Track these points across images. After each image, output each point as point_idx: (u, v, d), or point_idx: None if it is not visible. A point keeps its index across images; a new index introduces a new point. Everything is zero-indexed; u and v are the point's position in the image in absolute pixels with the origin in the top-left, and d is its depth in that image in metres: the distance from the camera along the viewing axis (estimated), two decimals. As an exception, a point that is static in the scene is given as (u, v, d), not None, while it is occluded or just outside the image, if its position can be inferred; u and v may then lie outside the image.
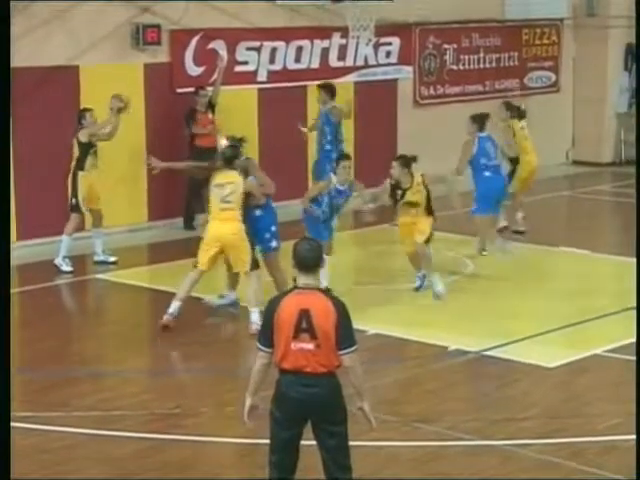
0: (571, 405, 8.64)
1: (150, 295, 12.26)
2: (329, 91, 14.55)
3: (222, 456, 7.75)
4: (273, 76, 16.17)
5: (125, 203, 14.71)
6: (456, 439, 7.88)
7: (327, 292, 6.31)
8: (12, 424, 7.98)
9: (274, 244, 10.88)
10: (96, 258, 13.10)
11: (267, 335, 6.13)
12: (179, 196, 14.98)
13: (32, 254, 13.43)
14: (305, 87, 16.34)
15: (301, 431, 6.17)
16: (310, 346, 6.02)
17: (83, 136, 12.84)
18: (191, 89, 15.06)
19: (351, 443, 6.22)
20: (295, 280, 6.19)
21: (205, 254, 10.60)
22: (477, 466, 7.49)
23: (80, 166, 12.80)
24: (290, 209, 13.96)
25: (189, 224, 15.07)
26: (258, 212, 10.82)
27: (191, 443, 7.88)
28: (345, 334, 6.07)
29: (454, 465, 7.54)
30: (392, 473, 7.36)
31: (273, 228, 10.89)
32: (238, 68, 15.80)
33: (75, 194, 12.79)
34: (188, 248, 13.77)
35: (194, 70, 15.38)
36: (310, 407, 6.10)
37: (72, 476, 7.35)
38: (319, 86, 14.73)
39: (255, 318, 10.19)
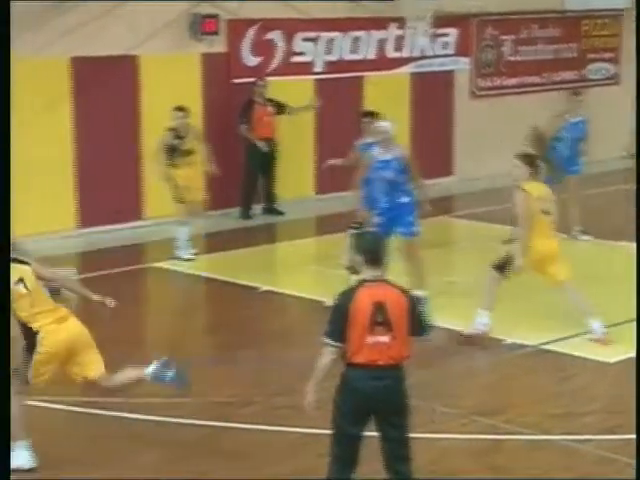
0: (631, 401, 8.53)
1: (206, 284, 12.35)
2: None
3: (278, 445, 7.77)
4: (329, 67, 16.17)
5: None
6: (514, 433, 7.84)
7: (394, 283, 6.28)
8: (75, 409, 8.16)
9: (416, 229, 10.85)
10: (179, 253, 12.94)
11: (339, 330, 6.07)
12: (235, 185, 15.04)
13: (94, 242, 13.57)
14: (361, 78, 16.33)
15: (366, 424, 6.17)
16: (385, 339, 6.03)
17: (164, 137, 12.86)
18: (247, 79, 15.12)
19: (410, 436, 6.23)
20: (352, 271, 6.18)
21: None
22: (535, 460, 7.43)
23: (170, 163, 12.78)
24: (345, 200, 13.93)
25: (246, 214, 15.13)
26: (405, 198, 10.71)
27: (246, 431, 7.93)
28: (420, 321, 6.17)
29: (511, 459, 7.49)
30: (449, 466, 7.34)
31: (415, 212, 10.85)
32: (294, 59, 15.82)
33: (177, 189, 12.80)
34: (245, 238, 13.89)
35: (251, 60, 15.42)
36: (378, 400, 6.09)
37: (129, 460, 7.43)
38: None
39: (484, 320, 9.87)
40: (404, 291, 6.20)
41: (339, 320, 6.06)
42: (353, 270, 6.27)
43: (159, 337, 10.49)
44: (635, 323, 9.28)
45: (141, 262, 13.06)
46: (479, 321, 9.88)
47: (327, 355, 6.12)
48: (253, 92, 14.95)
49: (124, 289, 11.88)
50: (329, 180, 15.89)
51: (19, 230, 13.36)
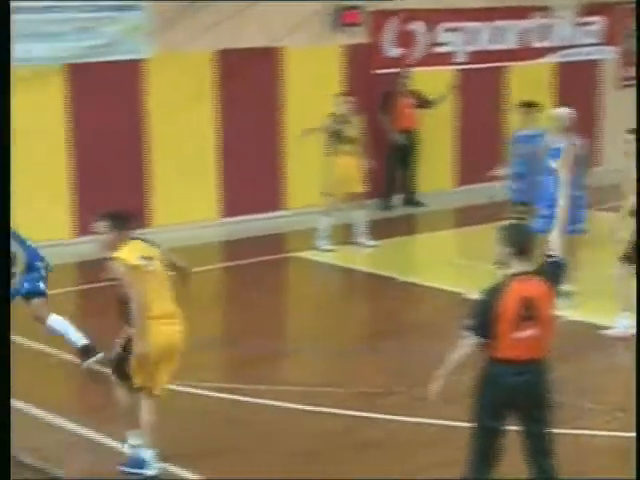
0: None
1: (346, 275, 12.41)
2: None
3: (418, 436, 7.77)
4: (471, 57, 16.03)
5: (316, 183, 14.83)
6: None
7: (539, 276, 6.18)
8: (220, 395, 8.34)
9: (583, 226, 10.55)
10: (358, 240, 13.06)
11: (483, 325, 5.98)
12: (374, 177, 15.06)
13: (236, 231, 13.80)
14: (503, 68, 16.13)
15: (506, 418, 6.13)
16: (530, 334, 5.96)
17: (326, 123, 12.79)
18: (389, 70, 15.12)
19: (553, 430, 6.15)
20: (500, 265, 6.10)
21: None
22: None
23: (331, 151, 12.78)
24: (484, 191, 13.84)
25: (386, 205, 15.15)
26: (578, 192, 10.43)
27: (387, 422, 7.95)
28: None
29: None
30: (593, 463, 7.22)
31: (585, 208, 10.57)
32: (436, 49, 15.75)
33: (327, 177, 12.82)
34: (384, 229, 13.89)
35: (392, 51, 15.42)
36: (522, 394, 6.03)
37: (276, 448, 7.54)
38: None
39: (625, 322, 9.69)
40: (548, 284, 6.11)
41: (484, 315, 5.97)
42: (501, 264, 6.16)
43: (300, 327, 10.60)
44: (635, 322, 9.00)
45: (282, 252, 13.22)
46: (621, 323, 9.68)
47: (464, 348, 6.04)
48: (396, 83, 14.95)
49: (265, 278, 12.09)
50: (469, 172, 15.78)
51: (161, 219, 13.81)
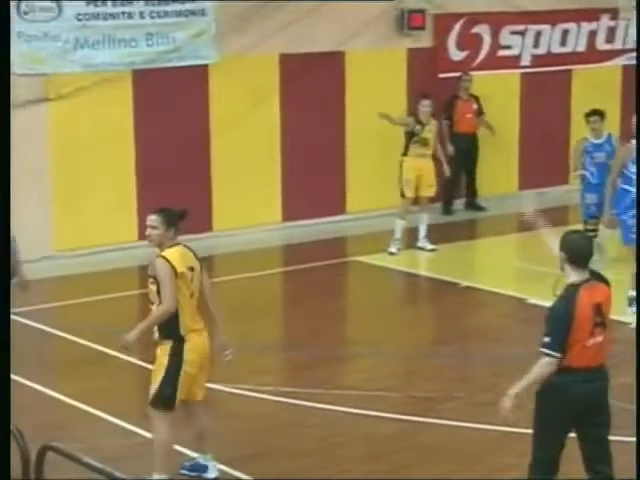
0: None
1: (407, 279, 12.39)
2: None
3: (477, 442, 7.73)
4: (537, 60, 15.90)
5: (376, 187, 14.83)
6: None
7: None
8: (279, 398, 8.39)
9: None
10: (419, 244, 13.03)
11: (560, 340, 5.88)
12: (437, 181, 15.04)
13: (297, 235, 13.87)
14: (570, 71, 15.97)
15: (574, 427, 6.06)
16: (600, 339, 5.96)
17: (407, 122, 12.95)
18: (453, 74, 15.06)
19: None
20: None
21: None
22: None
23: (404, 152, 12.89)
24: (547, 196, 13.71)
25: (448, 209, 15.10)
26: None
27: (446, 427, 7.93)
28: None
29: None
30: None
31: None
32: (501, 52, 15.65)
33: (400, 179, 12.88)
34: (446, 233, 13.84)
35: (457, 55, 15.35)
36: (590, 403, 6.00)
37: (334, 451, 7.57)
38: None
39: None
40: (608, 283, 6.11)
41: (561, 329, 5.88)
42: (562, 271, 6.10)
43: (360, 332, 10.59)
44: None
45: (342, 256, 13.24)
46: None
47: (547, 367, 5.89)
48: (458, 87, 14.90)
49: (325, 283, 12.12)
50: (531, 176, 15.67)
51: (223, 224, 13.92)
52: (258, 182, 14.00)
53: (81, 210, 12.88)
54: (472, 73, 15.08)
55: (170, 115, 13.36)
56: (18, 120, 12.09)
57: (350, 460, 7.46)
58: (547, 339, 5.90)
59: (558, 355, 5.88)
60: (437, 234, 13.45)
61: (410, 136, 12.86)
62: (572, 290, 5.93)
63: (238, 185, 13.79)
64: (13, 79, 12.12)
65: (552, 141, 15.68)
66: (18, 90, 12.21)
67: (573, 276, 5.97)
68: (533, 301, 10.79)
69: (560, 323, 5.88)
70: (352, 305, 11.77)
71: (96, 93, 12.78)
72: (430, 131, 12.92)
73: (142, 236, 13.27)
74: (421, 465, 7.34)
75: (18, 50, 12.27)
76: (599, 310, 5.94)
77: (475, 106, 14.99)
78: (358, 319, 11.12)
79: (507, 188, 15.73)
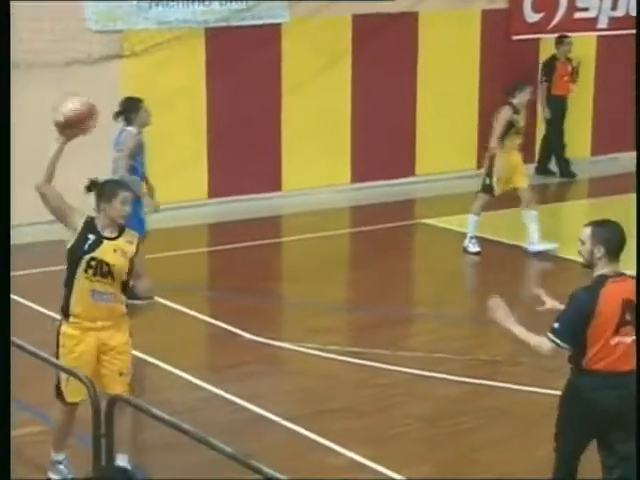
0: None
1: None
2: None
3: (540, 406, 7.70)
4: (614, 23, 15.61)
5: (446, 150, 14.75)
6: None
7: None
8: (344, 358, 8.46)
9: None
10: (531, 248, 11.52)
11: (573, 331, 5.47)
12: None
13: (366, 197, 13.86)
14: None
15: (596, 436, 5.63)
16: (629, 340, 5.47)
17: (505, 114, 11.40)
18: (528, 36, 14.89)
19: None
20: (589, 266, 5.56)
21: None
22: None
23: (500, 145, 11.36)
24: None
25: (544, 167, 14.87)
26: None
27: (510, 391, 7.93)
28: None
29: None
30: None
31: None
32: (577, 15, 15.40)
33: (489, 174, 11.45)
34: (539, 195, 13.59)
35: (532, 17, 15.13)
36: (617, 412, 5.51)
37: (395, 411, 7.62)
38: None
39: None
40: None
41: (577, 320, 5.46)
42: (589, 264, 5.60)
43: (426, 294, 10.60)
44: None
45: (410, 218, 13.21)
46: None
47: (544, 349, 5.56)
48: (556, 50, 14.76)
49: (392, 244, 12.12)
50: (605, 141, 15.46)
51: (292, 184, 13.95)
52: (327, 143, 14.01)
53: (153, 167, 13.02)
54: (547, 35, 14.89)
55: (242, 74, 13.40)
56: (93, 77, 12.27)
57: (413, 421, 7.49)
58: (556, 325, 5.52)
59: (563, 345, 5.50)
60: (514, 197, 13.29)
61: (508, 127, 11.38)
62: (600, 280, 5.50)
63: (307, 145, 13.82)
64: (88, 36, 12.34)
65: (624, 106, 15.41)
66: (93, 47, 12.36)
67: (604, 268, 5.52)
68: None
69: (577, 313, 5.46)
70: (419, 267, 11.77)
71: (169, 51, 12.86)
72: (523, 118, 11.72)
73: (211, 194, 13.56)
74: (483, 428, 7.36)
75: (94, 7, 12.39)
76: (629, 307, 5.43)
77: (570, 69, 14.86)
78: (425, 281, 11.13)
79: (580, 153, 15.55)
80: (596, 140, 15.65)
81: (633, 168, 12.53)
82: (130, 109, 9.47)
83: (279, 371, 8.52)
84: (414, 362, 8.34)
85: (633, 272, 7.74)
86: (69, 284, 6.34)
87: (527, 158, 14.98)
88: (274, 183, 13.65)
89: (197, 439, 5.28)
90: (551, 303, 5.97)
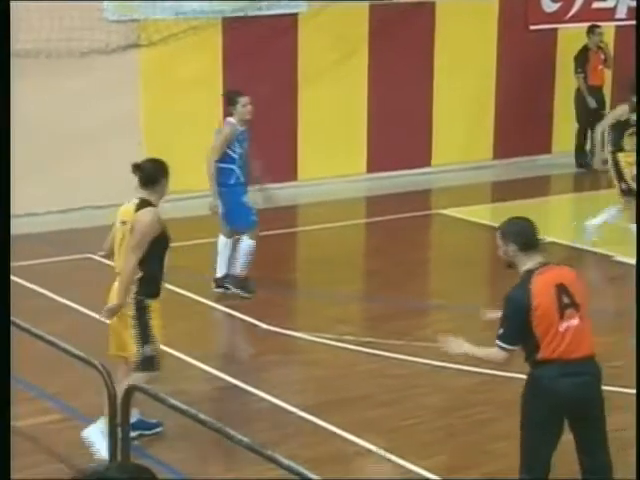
0: None
1: (490, 233, 12.26)
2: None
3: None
4: (633, 13, 15.53)
5: (462, 141, 14.72)
6: None
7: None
8: (358, 348, 8.48)
9: None
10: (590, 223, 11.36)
11: (515, 330, 5.51)
12: (526, 135, 14.90)
13: (382, 186, 13.87)
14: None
15: (561, 429, 5.59)
16: (576, 322, 5.48)
17: (618, 113, 11.04)
18: (545, 26, 14.85)
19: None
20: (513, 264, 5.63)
21: None
22: None
23: (618, 147, 11.05)
24: None
25: (581, 162, 14.73)
26: None
27: (520, 381, 7.93)
28: None
29: None
30: None
31: None
32: (595, 4, 15.34)
33: (621, 177, 11.06)
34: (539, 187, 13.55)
35: (550, 6, 15.10)
36: (577, 400, 5.50)
37: (409, 402, 7.66)
38: None
39: None
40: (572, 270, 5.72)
41: (518, 320, 5.48)
42: (509, 264, 5.71)
43: (441, 284, 10.63)
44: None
45: (426, 208, 13.23)
46: None
47: (499, 358, 5.60)
48: (588, 40, 14.71)
49: (408, 235, 12.13)
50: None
51: (308, 174, 13.97)
52: (344, 133, 14.02)
53: (172, 155, 13.04)
54: (565, 25, 14.84)
55: (258, 65, 13.42)
56: (111, 66, 12.31)
57: (428, 412, 7.53)
58: (500, 330, 5.57)
59: (510, 347, 5.52)
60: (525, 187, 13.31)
61: (623, 127, 10.92)
62: (526, 276, 5.54)
63: (324, 135, 13.83)
64: (106, 25, 12.38)
65: None
66: (111, 36, 12.40)
67: (526, 263, 5.57)
68: (619, 259, 10.77)
69: (514, 313, 5.51)
70: (435, 257, 11.78)
71: (186, 41, 12.89)
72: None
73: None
74: (498, 419, 7.38)
75: (112, -4, 12.43)
76: (565, 291, 5.47)
77: (603, 57, 14.80)
78: (440, 272, 11.14)
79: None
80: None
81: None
82: (230, 102, 9.91)
83: (295, 361, 8.55)
84: (429, 353, 8.35)
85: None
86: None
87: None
88: (290, 172, 13.68)
89: (214, 429, 5.32)
90: (493, 314, 6.03)
